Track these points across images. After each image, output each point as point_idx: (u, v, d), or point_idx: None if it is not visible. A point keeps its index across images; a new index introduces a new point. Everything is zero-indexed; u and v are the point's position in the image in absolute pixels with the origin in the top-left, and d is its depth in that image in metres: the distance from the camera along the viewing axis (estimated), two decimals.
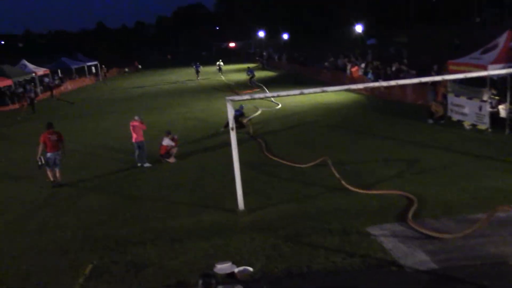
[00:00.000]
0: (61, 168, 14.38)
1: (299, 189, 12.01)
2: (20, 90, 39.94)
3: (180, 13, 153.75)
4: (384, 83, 11.99)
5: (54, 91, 43.15)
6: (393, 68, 28.07)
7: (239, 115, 20.07)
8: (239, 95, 32.39)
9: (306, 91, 10.68)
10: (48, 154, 14.07)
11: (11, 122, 29.10)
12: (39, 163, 14.09)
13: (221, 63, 56.25)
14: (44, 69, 48.08)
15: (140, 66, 76.33)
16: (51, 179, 14.23)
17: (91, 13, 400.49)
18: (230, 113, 10.44)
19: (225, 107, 10.86)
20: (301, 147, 16.33)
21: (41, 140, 14.07)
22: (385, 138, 16.73)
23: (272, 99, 26.62)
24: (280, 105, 26.13)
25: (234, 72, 54.32)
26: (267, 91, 32.50)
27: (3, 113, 34.03)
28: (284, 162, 14.45)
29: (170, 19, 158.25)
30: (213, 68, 60.11)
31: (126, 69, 72.29)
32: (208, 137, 19.36)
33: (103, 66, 61.98)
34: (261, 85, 36.07)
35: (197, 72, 51.88)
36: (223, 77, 48.53)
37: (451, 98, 18.84)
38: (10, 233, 10.79)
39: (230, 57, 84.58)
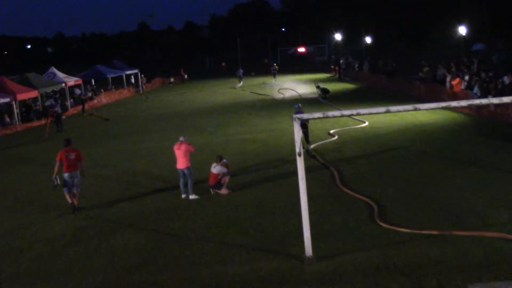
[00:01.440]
0: (80, 190, 15.54)
1: (383, 232, 11.81)
2: (48, 103, 41.75)
3: (238, 11, 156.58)
4: (495, 100, 11.69)
5: (87, 105, 44.73)
6: (507, 81, 27.29)
7: (306, 121, 20.76)
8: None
9: (393, 108, 10.57)
10: (65, 174, 15.23)
11: (36, 141, 30.48)
12: (55, 183, 15.43)
13: (276, 68, 62.94)
14: (76, 78, 50.12)
15: (186, 76, 78.25)
16: (70, 201, 15.38)
17: (132, 14, 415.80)
18: (297, 135, 10.49)
19: (292, 127, 10.93)
20: (386, 180, 16.10)
21: (58, 158, 15.37)
22: (495, 170, 16.21)
23: (356, 116, 26.64)
24: (367, 123, 26.19)
25: (301, 84, 54.58)
26: (336, 109, 32.52)
27: (28, 130, 35.73)
28: (363, 198, 14.29)
29: (226, 19, 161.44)
30: (284, 79, 61.40)
31: (172, 79, 74.28)
32: (269, 164, 19.49)
33: (142, 75, 64.01)
34: (327, 102, 36.21)
35: (240, 79, 56.33)
36: (274, 81, 50.53)
37: None
38: (31, 275, 11.22)
39: (297, 65, 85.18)
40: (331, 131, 24.73)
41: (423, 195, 14.32)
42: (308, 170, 11.72)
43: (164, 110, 41.45)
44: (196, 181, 16.43)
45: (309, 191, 10.94)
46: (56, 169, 15.38)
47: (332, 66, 69.28)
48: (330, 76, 63.44)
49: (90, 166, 21.77)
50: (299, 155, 10.53)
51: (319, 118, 10.80)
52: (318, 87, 41.58)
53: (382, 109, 10.69)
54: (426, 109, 11.02)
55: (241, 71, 62.10)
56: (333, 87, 45.57)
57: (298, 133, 10.53)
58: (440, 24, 67.18)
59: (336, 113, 11.03)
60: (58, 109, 35.04)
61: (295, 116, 10.49)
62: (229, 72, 78.65)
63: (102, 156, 24.00)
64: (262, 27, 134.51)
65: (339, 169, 17.60)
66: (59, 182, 15.42)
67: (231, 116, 33.82)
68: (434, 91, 33.78)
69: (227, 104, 41.50)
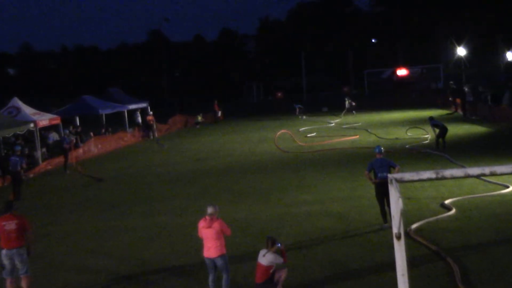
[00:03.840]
0: (30, 274, 15.93)
1: None
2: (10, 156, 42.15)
3: (302, 13, 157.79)
4: None
5: (70, 157, 44.65)
6: None
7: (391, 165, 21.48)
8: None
9: None
10: (3, 252, 15.76)
11: None
12: None
13: (349, 102, 73.52)
14: (52, 115, 50.64)
15: (221, 113, 78.98)
16: None
17: (139, 19, 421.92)
18: (396, 206, 10.42)
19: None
20: None
21: None
22: None
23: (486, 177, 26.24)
24: (509, 188, 25.78)
25: (399, 125, 54.42)
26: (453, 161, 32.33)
27: None
28: None
29: (284, 24, 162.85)
30: (370, 118, 61.86)
31: (199, 118, 75.06)
32: (350, 251, 19.39)
33: (151, 113, 64.75)
34: (442, 154, 35.95)
35: (299, 110, 70.85)
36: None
37: None
38: None
39: (396, 96, 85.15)
40: (447, 201, 24.40)
41: None
42: (412, 261, 11.60)
43: (187, 165, 41.87)
44: (235, 276, 16.42)
45: None
46: None
47: (450, 98, 68.87)
48: (448, 114, 63.08)
49: (70, 252, 22.04)
50: (398, 237, 10.45)
51: (429, 179, 10.70)
52: (432, 122, 41.06)
53: None
54: None
55: (299, 105, 69.63)
56: (453, 130, 45.25)
57: (396, 204, 10.47)
58: None
59: (457, 172, 10.92)
60: (16, 164, 33.66)
61: (391, 177, 10.44)
62: (288, 107, 79.38)
63: (90, 236, 24.19)
64: (340, 37, 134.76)
65: (461, 261, 17.39)
66: None
67: (291, 176, 33.89)
68: None
69: (284, 158, 41.71)
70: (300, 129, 58.35)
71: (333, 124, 63.11)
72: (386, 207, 20.52)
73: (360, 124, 60.18)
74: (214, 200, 23.92)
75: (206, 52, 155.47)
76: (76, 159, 45.69)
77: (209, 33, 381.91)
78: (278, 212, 25.44)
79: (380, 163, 21.47)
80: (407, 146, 40.81)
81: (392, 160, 22.94)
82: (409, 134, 46.68)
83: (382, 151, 22.28)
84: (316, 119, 70.32)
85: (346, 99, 74.96)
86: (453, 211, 23.14)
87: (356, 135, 49.27)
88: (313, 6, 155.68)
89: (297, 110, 75.58)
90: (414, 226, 20.99)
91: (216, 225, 15.74)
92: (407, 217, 20.57)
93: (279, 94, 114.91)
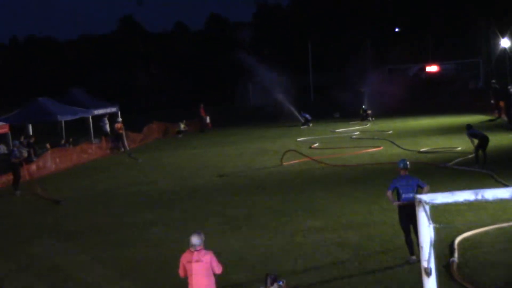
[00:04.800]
0: None
1: None
2: None
3: None
4: None
5: (22, 174, 44.50)
6: None
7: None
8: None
9: None
10: None
11: None
12: None
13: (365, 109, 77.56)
14: None
15: (209, 119, 78.87)
16: None
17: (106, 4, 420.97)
18: (425, 236, 10.41)
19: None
20: None
21: None
22: None
23: None
24: None
25: (429, 134, 54.45)
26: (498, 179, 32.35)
27: None
28: None
29: (287, 9, 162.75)
30: (393, 125, 61.60)
31: (182, 126, 74.97)
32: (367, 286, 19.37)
33: (119, 120, 64.23)
34: (483, 169, 35.78)
35: (306, 122, 73.25)
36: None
37: None
38: None
39: (425, 98, 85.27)
40: (486, 228, 24.12)
41: None
42: None
43: (166, 184, 41.90)
44: None
45: None
46: None
47: (492, 101, 68.61)
48: (490, 120, 62.97)
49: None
50: (428, 273, 10.44)
51: (467, 201, 10.68)
52: (470, 131, 40.65)
53: None
54: None
55: (306, 115, 72.35)
56: (496, 140, 45.16)
57: (426, 232, 10.46)
58: None
59: (501, 192, 10.90)
60: None
61: (419, 198, 10.41)
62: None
63: (47, 271, 24.09)
64: (355, 25, 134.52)
65: None
66: None
67: (296, 197, 33.89)
68: None
69: (287, 174, 41.78)
70: (298, 139, 58.90)
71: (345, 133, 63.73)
72: (413, 236, 20.41)
73: (391, 132, 60.27)
74: (201, 227, 23.80)
75: (190, 44, 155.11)
76: (30, 177, 45.33)
77: (193, 21, 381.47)
78: (280, 242, 25.43)
79: (406, 182, 21.17)
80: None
81: (420, 177, 22.55)
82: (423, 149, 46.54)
83: (408, 167, 21.92)
84: (326, 126, 70.71)
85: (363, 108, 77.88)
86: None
87: (380, 147, 49.18)
88: None
89: (303, 121, 75.25)
90: (448, 259, 20.93)
91: (207, 258, 15.65)
92: (439, 249, 20.51)
93: (280, 95, 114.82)
